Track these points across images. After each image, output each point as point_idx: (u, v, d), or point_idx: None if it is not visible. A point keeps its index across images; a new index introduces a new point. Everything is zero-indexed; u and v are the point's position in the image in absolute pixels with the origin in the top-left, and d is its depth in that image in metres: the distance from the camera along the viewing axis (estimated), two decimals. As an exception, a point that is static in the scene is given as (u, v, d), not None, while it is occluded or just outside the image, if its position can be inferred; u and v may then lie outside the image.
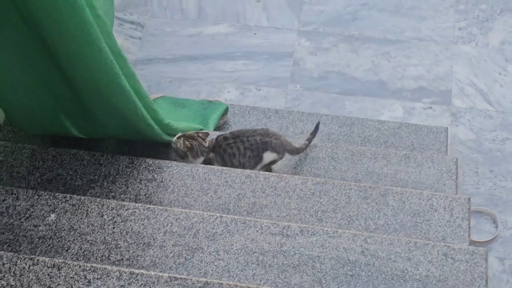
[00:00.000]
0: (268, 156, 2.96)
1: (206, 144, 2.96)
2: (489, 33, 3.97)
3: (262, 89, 3.85)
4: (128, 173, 2.83)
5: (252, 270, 2.36)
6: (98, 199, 2.55)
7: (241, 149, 2.94)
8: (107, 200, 2.55)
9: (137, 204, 2.53)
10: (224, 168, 2.85)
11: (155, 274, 2.13)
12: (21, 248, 2.42)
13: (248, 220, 2.48)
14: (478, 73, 3.83)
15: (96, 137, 3.10)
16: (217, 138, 3.00)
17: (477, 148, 3.57)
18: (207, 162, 2.96)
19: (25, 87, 2.64)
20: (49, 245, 2.43)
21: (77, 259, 2.39)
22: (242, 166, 2.97)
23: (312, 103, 3.78)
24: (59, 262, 2.16)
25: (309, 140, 3.11)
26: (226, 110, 3.50)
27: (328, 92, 3.82)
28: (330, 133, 3.46)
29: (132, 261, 2.38)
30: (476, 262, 2.34)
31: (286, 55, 3.97)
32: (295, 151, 3.05)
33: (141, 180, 2.81)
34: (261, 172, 2.83)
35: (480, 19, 4.02)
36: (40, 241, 2.44)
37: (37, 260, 2.17)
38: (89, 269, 2.15)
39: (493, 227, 3.30)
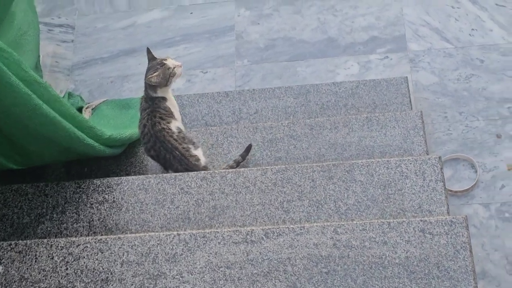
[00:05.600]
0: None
1: None
2: (434, -35, 3.75)
3: (209, 71, 3.64)
4: (77, 199, 2.63)
5: (221, 287, 2.18)
6: (46, 240, 2.36)
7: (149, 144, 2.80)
8: (55, 240, 2.35)
9: (87, 238, 2.34)
10: (177, 174, 2.65)
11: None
12: (-28, 310, 2.24)
13: (208, 233, 2.29)
14: (430, 11, 3.62)
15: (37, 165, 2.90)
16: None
17: (442, 91, 3.38)
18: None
19: None
20: (1, 301, 2.25)
21: (34, 311, 2.21)
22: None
23: (263, 76, 3.57)
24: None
25: (236, 163, 2.88)
26: (174, 102, 3.29)
27: (278, 61, 3.61)
28: (286, 106, 3.26)
29: (93, 302, 2.21)
30: (456, 233, 2.17)
31: (227, 30, 3.75)
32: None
33: (91, 204, 2.61)
34: (216, 171, 2.64)
35: (422, -48, 3.80)
36: (-9, 298, 2.26)
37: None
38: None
39: (472, 173, 3.13)
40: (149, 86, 2.83)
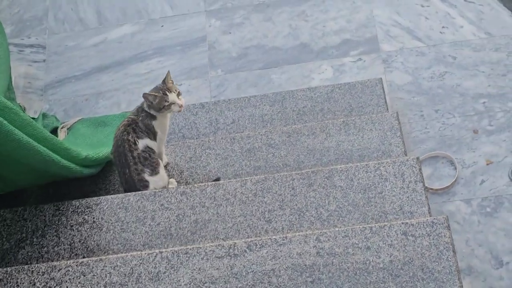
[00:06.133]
0: None
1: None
2: (401, -35, 3.76)
3: (183, 83, 3.62)
4: (57, 222, 2.61)
5: (207, 303, 2.17)
6: (26, 266, 2.33)
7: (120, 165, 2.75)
8: (36, 265, 2.33)
9: (68, 262, 2.32)
10: (156, 191, 2.63)
11: None
12: None
13: (191, 249, 2.28)
14: (400, 11, 3.63)
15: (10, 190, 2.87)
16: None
17: (417, 90, 3.38)
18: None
19: None
20: (-15, 331, 2.22)
21: None
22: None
23: (238, 85, 3.56)
24: None
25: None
26: (150, 117, 3.26)
27: (252, 70, 3.60)
28: (262, 114, 3.25)
29: (78, 326, 2.18)
30: (438, 233, 2.17)
31: (199, 41, 3.73)
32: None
33: (72, 226, 2.59)
34: (196, 185, 2.63)
35: (389, -48, 3.80)
36: (-25, 329, 2.23)
37: None
38: None
39: (452, 170, 3.14)
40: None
